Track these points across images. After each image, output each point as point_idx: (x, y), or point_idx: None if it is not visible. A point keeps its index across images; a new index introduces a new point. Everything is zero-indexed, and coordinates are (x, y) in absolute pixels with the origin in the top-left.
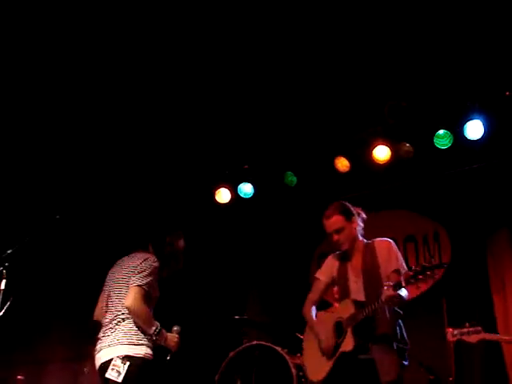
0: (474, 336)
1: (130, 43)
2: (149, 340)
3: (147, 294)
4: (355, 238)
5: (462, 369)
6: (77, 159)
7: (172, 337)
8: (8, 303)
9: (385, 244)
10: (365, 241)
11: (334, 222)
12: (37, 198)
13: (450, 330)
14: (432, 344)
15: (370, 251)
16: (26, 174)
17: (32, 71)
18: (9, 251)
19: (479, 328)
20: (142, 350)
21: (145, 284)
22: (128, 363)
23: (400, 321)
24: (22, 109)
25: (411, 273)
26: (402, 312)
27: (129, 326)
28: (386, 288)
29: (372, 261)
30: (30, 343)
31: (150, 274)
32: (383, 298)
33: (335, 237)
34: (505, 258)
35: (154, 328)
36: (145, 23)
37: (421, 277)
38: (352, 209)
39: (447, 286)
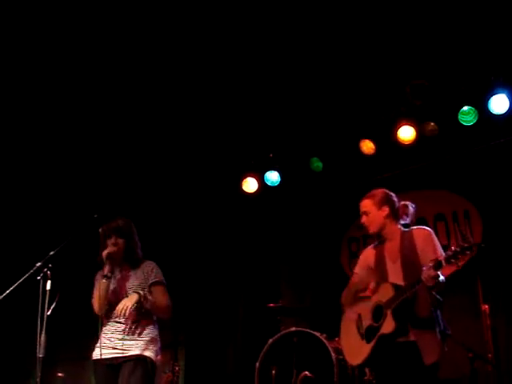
0: None
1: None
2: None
3: None
4: (383, 226)
5: (499, 345)
6: (107, 157)
7: None
8: (54, 303)
9: (423, 232)
10: (403, 229)
11: (362, 204)
12: (74, 199)
13: None
14: (468, 322)
15: (408, 238)
16: (64, 177)
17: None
18: (51, 253)
19: None
20: None
21: None
22: None
23: (439, 308)
24: (55, 112)
25: (451, 252)
26: (441, 299)
27: None
28: (426, 268)
29: (410, 246)
30: (70, 341)
31: None
32: (423, 276)
33: (362, 218)
34: None
35: None
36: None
37: (460, 256)
38: (388, 199)
39: (481, 264)
